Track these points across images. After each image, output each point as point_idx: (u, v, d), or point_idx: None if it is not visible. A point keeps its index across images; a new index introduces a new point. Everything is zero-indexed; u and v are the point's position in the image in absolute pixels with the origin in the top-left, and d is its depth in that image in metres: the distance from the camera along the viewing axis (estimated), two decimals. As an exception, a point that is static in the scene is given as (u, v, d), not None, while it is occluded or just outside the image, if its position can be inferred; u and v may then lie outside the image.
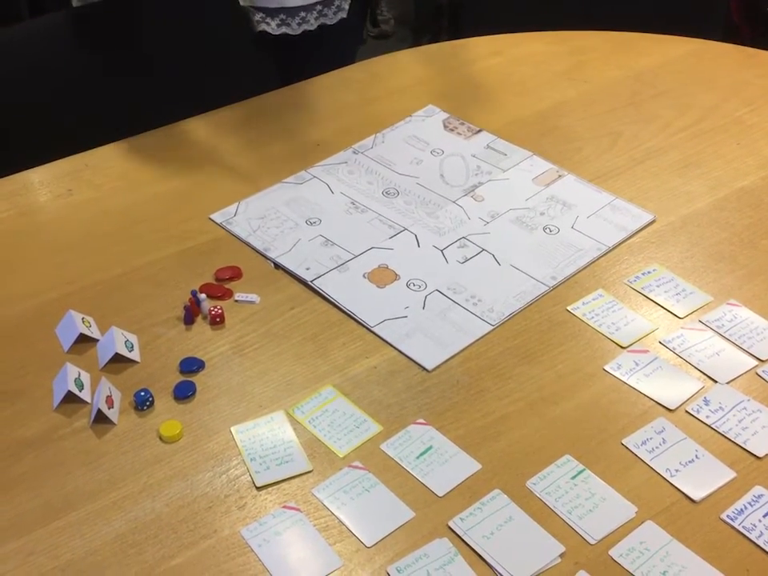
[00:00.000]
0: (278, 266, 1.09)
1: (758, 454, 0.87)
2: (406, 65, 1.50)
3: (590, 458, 0.87)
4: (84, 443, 0.89)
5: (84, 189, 1.23)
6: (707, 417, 0.90)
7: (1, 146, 1.37)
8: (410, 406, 0.92)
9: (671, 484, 0.84)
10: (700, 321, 1.01)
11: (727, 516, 0.81)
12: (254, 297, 1.05)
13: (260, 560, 0.79)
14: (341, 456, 0.87)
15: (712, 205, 1.18)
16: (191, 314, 1.01)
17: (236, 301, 1.04)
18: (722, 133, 1.31)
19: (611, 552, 0.79)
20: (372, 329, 1.01)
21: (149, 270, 1.09)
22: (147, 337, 1.00)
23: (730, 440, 0.88)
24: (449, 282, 1.06)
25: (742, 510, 0.82)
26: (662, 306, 1.03)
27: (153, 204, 1.20)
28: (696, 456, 0.86)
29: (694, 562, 0.78)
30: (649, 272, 1.07)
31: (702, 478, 0.84)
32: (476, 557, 0.78)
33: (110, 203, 1.20)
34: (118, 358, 0.96)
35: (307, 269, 1.08)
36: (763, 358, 0.96)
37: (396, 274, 1.08)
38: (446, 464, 0.86)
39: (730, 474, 0.85)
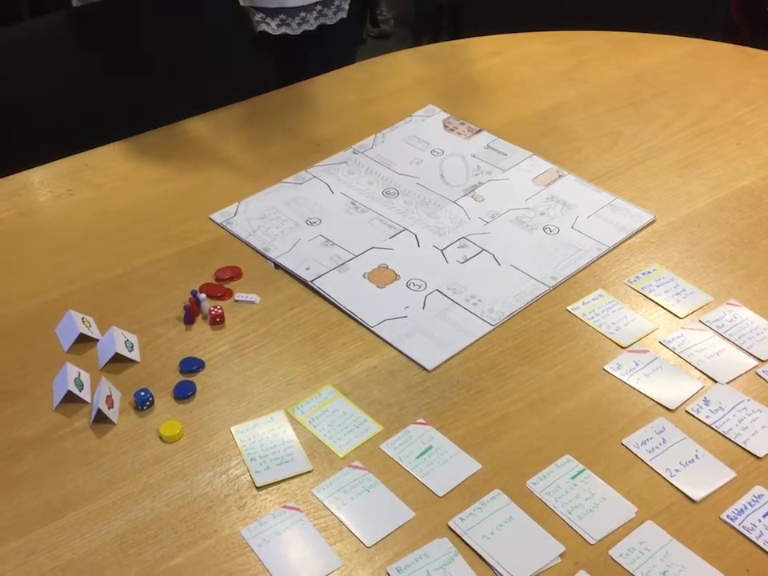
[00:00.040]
0: (278, 265, 1.09)
1: (757, 454, 0.87)
2: (406, 65, 1.50)
3: (590, 458, 0.86)
4: (84, 443, 0.89)
5: (84, 189, 1.23)
6: (707, 417, 0.90)
7: (1, 146, 1.37)
8: (410, 405, 0.92)
9: (671, 484, 0.84)
10: (700, 321, 1.01)
11: (727, 516, 0.81)
12: (254, 297, 1.05)
13: (260, 560, 0.79)
14: (341, 456, 0.87)
15: (712, 205, 1.18)
16: (191, 313, 1.01)
17: (236, 301, 1.04)
18: (721, 133, 1.31)
19: (611, 552, 0.79)
20: (372, 329, 1.00)
21: (149, 270, 1.09)
22: (147, 337, 1.00)
23: (730, 440, 0.88)
24: (449, 282, 1.06)
25: (742, 510, 0.82)
26: (662, 306, 1.03)
27: (153, 204, 1.20)
28: (696, 456, 0.86)
29: (694, 562, 0.78)
30: (649, 272, 1.07)
31: (702, 478, 0.84)
32: (476, 557, 0.78)
33: (109, 203, 1.20)
34: (118, 358, 0.96)
35: (307, 269, 1.08)
36: (763, 358, 0.96)
37: (396, 274, 1.08)
38: (446, 464, 0.86)
39: (730, 474, 0.85)
